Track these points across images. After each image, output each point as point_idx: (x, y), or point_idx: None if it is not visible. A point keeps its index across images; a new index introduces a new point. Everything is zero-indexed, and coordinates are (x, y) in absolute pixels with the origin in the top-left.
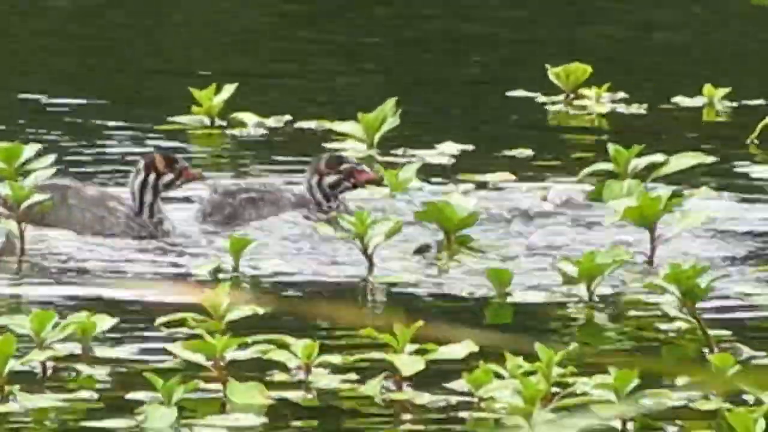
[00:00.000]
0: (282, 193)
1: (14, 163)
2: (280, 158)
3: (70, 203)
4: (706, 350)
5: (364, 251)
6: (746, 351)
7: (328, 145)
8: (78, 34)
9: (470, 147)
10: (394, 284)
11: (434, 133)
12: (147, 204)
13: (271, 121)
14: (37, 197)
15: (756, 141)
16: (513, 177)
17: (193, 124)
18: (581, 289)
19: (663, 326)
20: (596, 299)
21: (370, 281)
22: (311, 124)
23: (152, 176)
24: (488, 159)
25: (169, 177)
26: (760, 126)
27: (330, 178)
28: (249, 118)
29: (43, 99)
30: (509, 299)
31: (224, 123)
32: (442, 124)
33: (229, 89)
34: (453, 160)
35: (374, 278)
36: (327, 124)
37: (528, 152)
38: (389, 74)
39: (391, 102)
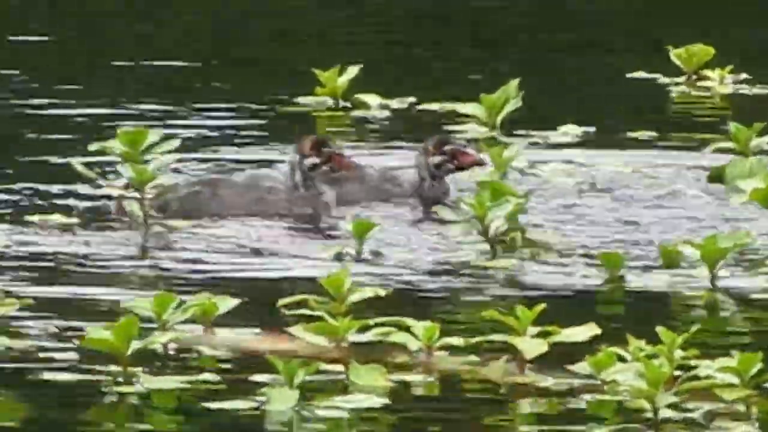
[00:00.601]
0: (365, 170)
1: (139, 147)
2: (401, 139)
3: (222, 192)
4: None
5: (485, 233)
6: None
7: (451, 127)
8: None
9: (592, 129)
10: (511, 268)
11: (556, 115)
12: (300, 182)
13: (395, 103)
14: (163, 180)
15: None
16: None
17: (317, 105)
18: (701, 272)
19: None
20: (717, 283)
21: (489, 265)
22: (434, 106)
23: (298, 157)
24: (610, 141)
25: (312, 160)
26: None
27: (435, 159)
28: (372, 99)
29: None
30: (623, 283)
31: (348, 104)
32: (563, 105)
33: (353, 70)
34: (575, 139)
35: (494, 262)
36: (450, 106)
37: (651, 133)
38: (510, 56)
39: (513, 83)
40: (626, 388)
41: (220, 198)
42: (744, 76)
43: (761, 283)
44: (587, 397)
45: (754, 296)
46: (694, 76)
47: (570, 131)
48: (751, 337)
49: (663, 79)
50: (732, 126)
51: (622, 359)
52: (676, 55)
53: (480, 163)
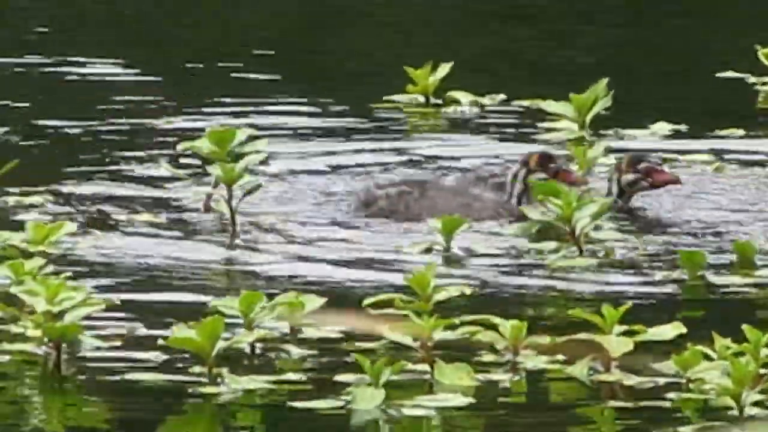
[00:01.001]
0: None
1: (226, 147)
2: (492, 137)
3: (431, 195)
4: None
5: (572, 233)
6: None
7: (540, 125)
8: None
9: (683, 127)
10: (596, 267)
11: (646, 114)
12: (516, 193)
13: (486, 100)
14: (250, 179)
15: None
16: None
17: (409, 102)
18: None
19: None
20: None
21: (573, 264)
22: (525, 103)
23: (523, 170)
24: (698, 140)
25: (539, 175)
26: None
27: (628, 176)
28: (463, 96)
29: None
30: (703, 281)
31: (439, 101)
32: (653, 105)
33: (444, 68)
34: (664, 140)
35: (578, 261)
36: (540, 104)
37: (740, 132)
38: (599, 55)
39: (603, 82)
40: (712, 386)
41: (427, 200)
42: None
43: None
44: (672, 395)
45: None
46: None
47: (659, 131)
48: None
49: (751, 79)
50: None
51: (707, 358)
52: (764, 54)
53: (675, 182)
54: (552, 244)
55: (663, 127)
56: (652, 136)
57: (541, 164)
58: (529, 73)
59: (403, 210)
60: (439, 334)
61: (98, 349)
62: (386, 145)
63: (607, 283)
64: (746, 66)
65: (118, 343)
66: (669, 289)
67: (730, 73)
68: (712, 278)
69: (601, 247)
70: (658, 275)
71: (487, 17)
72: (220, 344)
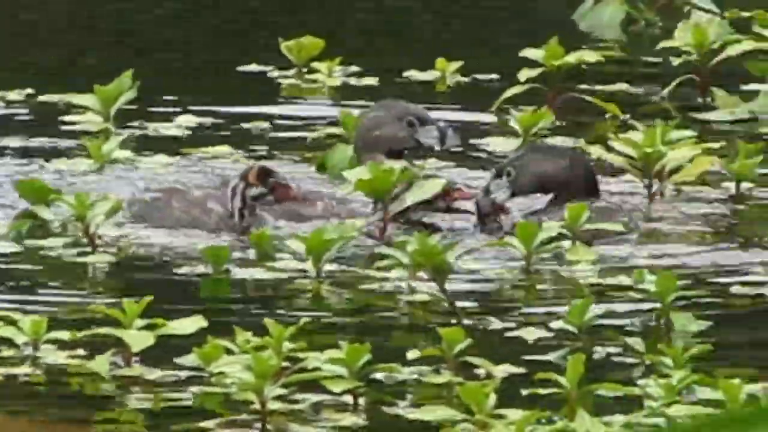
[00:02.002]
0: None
1: None
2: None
3: (174, 204)
4: (453, 322)
5: (86, 231)
6: (495, 323)
7: (67, 118)
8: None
9: (209, 120)
10: (113, 263)
11: (171, 106)
12: (236, 208)
13: (13, 95)
14: None
15: (499, 112)
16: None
17: None
18: (309, 265)
19: (399, 300)
20: (323, 275)
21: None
22: (54, 98)
23: (242, 184)
24: (223, 133)
25: (258, 190)
26: (500, 99)
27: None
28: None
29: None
30: (227, 275)
31: None
32: (179, 96)
33: None
34: (189, 132)
35: (94, 257)
36: (68, 98)
37: (265, 125)
38: (126, 47)
39: (127, 74)
40: (234, 380)
41: (169, 209)
42: (354, 68)
43: (370, 275)
44: (195, 389)
45: (363, 287)
46: (304, 69)
47: (184, 123)
48: (357, 327)
49: (273, 72)
50: (342, 113)
51: (229, 352)
52: (286, 48)
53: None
54: (66, 241)
55: (189, 119)
56: (177, 128)
57: (259, 178)
58: (57, 67)
59: (156, 217)
60: None
61: None
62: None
63: (127, 280)
64: (267, 58)
65: None
66: (192, 282)
67: (253, 67)
68: (236, 272)
69: (116, 245)
70: (184, 269)
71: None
72: None
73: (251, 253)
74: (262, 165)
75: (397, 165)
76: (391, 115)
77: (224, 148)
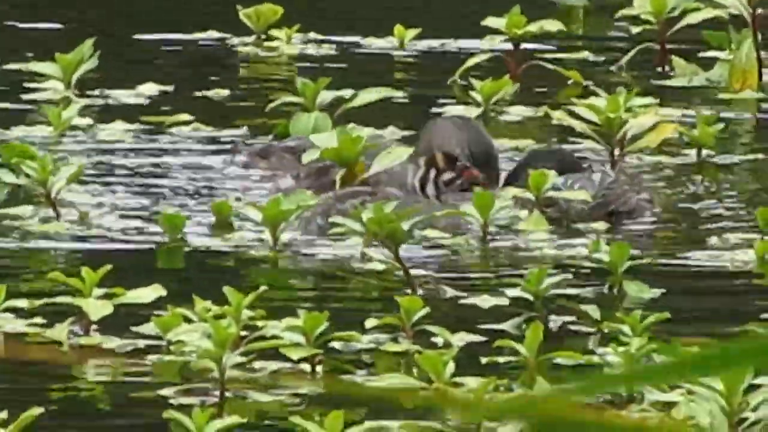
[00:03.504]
0: None
1: None
2: None
3: None
4: (408, 292)
5: (47, 196)
6: (450, 292)
7: (30, 85)
8: None
9: (170, 88)
10: (73, 231)
11: (131, 75)
12: (432, 198)
13: None
14: None
15: (460, 81)
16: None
17: None
18: (266, 235)
19: (357, 268)
20: (280, 246)
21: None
22: (19, 66)
23: (432, 172)
24: (183, 101)
25: (448, 175)
26: (462, 68)
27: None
28: None
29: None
30: (184, 243)
31: None
32: (139, 67)
33: None
34: (149, 101)
35: (56, 225)
36: (29, 66)
37: (224, 92)
38: (81, 21)
39: (88, 43)
40: (192, 348)
41: None
42: (312, 35)
43: (329, 243)
44: (154, 358)
45: (323, 256)
46: (263, 36)
47: (146, 91)
48: (316, 296)
49: (233, 40)
50: (299, 81)
51: (188, 320)
52: (245, 15)
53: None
54: (29, 209)
55: (150, 87)
56: (137, 97)
57: (448, 163)
58: (21, 36)
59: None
60: None
61: None
62: None
63: (87, 248)
64: (226, 26)
65: None
66: (149, 251)
67: (211, 33)
68: (193, 240)
69: (77, 211)
70: (139, 238)
71: None
72: None
73: (209, 221)
74: (445, 150)
75: (364, 133)
76: (457, 136)
77: (184, 116)
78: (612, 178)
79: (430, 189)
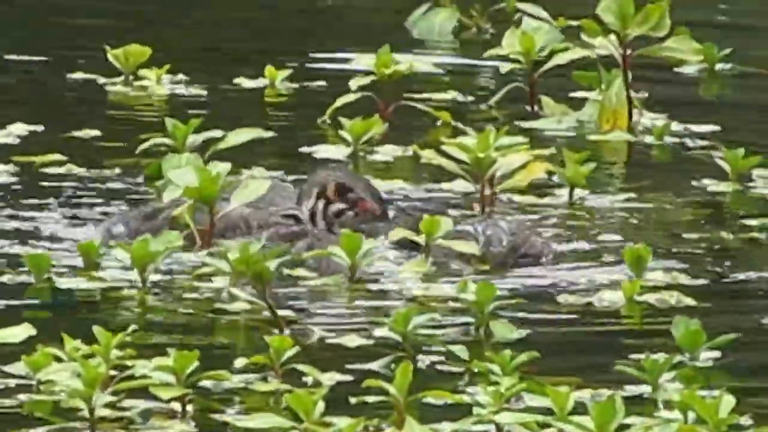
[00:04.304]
0: None
1: None
2: None
3: None
4: (276, 331)
5: None
6: (317, 332)
7: None
8: None
9: (40, 128)
10: None
11: (3, 114)
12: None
13: None
14: None
15: (327, 121)
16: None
17: None
18: (135, 275)
19: (225, 308)
20: (151, 282)
21: None
22: None
23: (321, 203)
24: (54, 141)
25: (337, 206)
26: (331, 108)
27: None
28: None
29: None
30: (50, 283)
31: None
32: (9, 105)
33: None
34: (18, 141)
35: None
36: None
37: (95, 132)
38: None
39: None
40: (63, 387)
41: None
42: (181, 76)
43: (194, 285)
44: (23, 397)
45: (190, 296)
46: (131, 77)
47: (15, 132)
48: (183, 336)
49: (101, 80)
50: (169, 123)
51: (58, 359)
52: (113, 55)
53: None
54: None
55: (19, 128)
56: (7, 137)
57: (338, 194)
58: None
59: None
60: None
61: None
62: None
63: None
64: (95, 66)
65: None
66: (17, 291)
67: (80, 74)
68: (59, 280)
69: None
70: (6, 277)
71: None
72: None
73: (76, 262)
74: (337, 180)
75: (223, 169)
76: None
77: (56, 156)
78: (514, 223)
79: (319, 220)
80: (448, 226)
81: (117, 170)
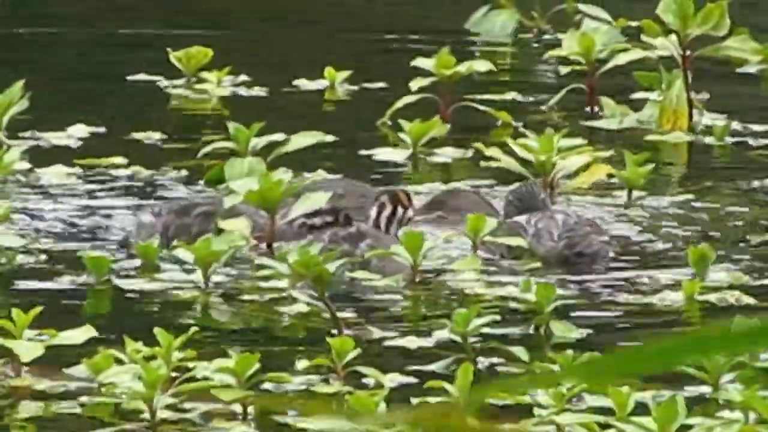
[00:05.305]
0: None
1: None
2: None
3: None
4: (335, 332)
5: None
6: (376, 332)
7: None
8: None
9: (101, 129)
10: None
11: (63, 116)
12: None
13: None
14: None
15: (388, 122)
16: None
17: None
18: (198, 276)
19: (285, 310)
20: (212, 285)
21: None
22: None
23: (400, 211)
24: (115, 143)
25: (411, 212)
26: (391, 109)
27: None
28: None
29: None
30: (110, 285)
31: None
32: (72, 107)
33: None
34: (81, 143)
35: None
36: None
37: (156, 135)
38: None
39: (18, 84)
40: (124, 390)
41: None
42: (243, 77)
43: (257, 286)
44: (85, 399)
45: (251, 297)
46: (193, 79)
47: (75, 134)
48: (244, 337)
49: (163, 81)
50: (231, 126)
51: (119, 361)
52: (175, 57)
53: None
54: None
55: (80, 129)
56: (68, 139)
57: (410, 202)
58: None
59: None
60: None
61: None
62: None
63: (17, 289)
64: (158, 69)
65: None
66: (78, 292)
67: (142, 76)
68: (118, 282)
69: (6, 256)
70: (65, 279)
71: None
72: None
73: (135, 263)
74: (404, 189)
75: (286, 176)
76: None
77: (118, 159)
78: (574, 219)
79: (394, 228)
80: (494, 223)
81: (178, 173)
